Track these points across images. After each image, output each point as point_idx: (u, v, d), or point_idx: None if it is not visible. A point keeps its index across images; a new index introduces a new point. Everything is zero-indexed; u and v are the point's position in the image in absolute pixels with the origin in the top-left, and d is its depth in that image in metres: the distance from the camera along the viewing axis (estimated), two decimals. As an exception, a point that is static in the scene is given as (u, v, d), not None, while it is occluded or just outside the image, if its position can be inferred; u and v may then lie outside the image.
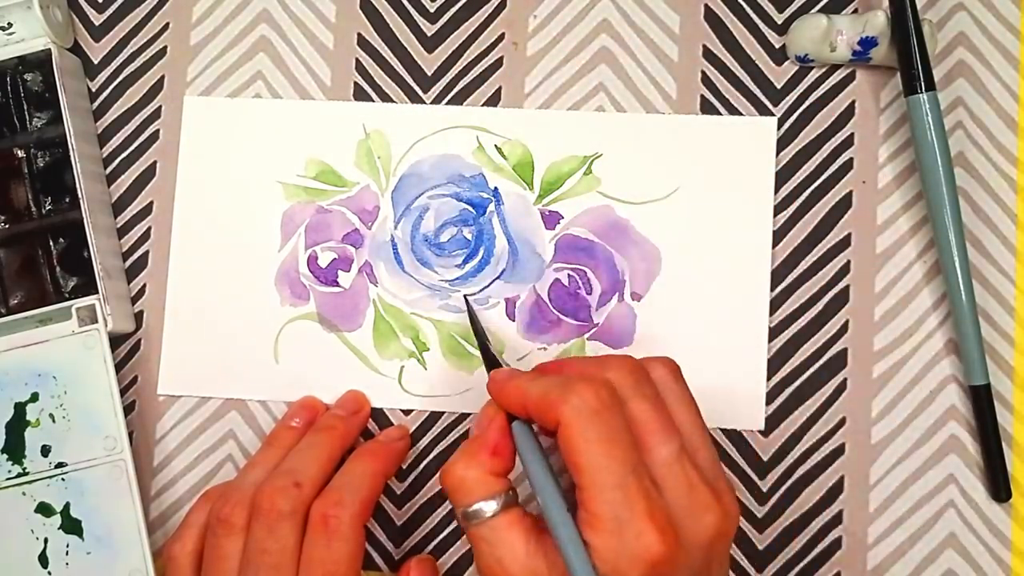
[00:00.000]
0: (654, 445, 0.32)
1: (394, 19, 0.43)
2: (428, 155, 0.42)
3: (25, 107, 0.41)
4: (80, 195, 0.40)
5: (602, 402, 0.31)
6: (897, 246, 0.41)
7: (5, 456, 0.38)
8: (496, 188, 0.42)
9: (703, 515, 0.31)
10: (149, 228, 0.43)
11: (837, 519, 0.40)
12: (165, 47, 0.43)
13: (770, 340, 0.40)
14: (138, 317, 0.42)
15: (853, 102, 0.41)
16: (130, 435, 0.39)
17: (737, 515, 0.33)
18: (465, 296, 0.41)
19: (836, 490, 0.40)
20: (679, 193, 0.41)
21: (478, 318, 0.40)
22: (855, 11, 0.42)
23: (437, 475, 0.41)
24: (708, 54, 0.42)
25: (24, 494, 0.38)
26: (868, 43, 0.40)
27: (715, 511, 0.31)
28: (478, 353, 0.41)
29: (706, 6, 0.42)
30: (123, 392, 0.42)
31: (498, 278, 0.41)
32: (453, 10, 0.43)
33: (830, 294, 0.41)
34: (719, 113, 0.41)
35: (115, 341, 0.41)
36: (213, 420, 0.42)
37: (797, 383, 0.40)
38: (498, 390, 0.34)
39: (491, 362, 0.37)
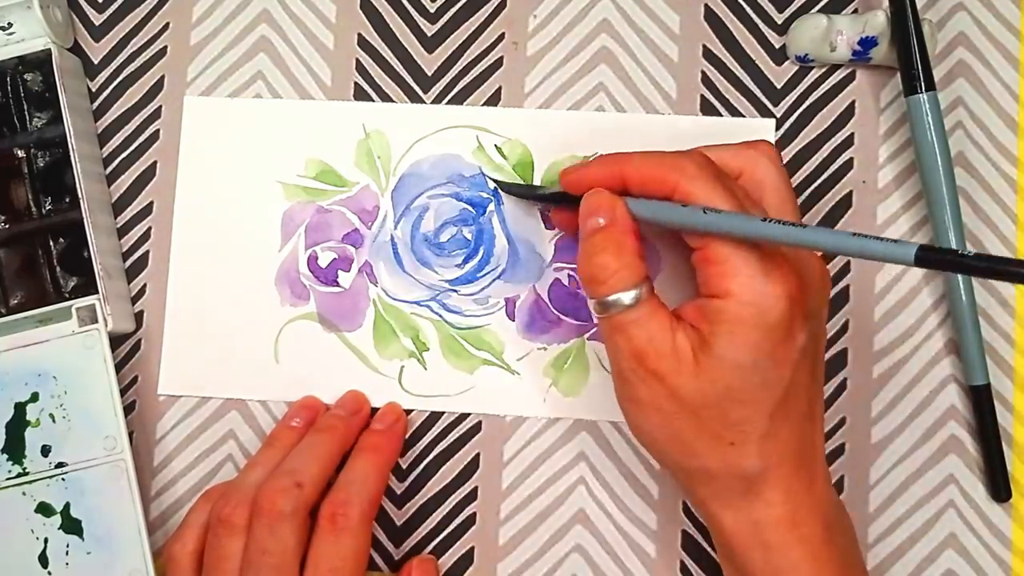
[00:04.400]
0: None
1: (394, 19, 0.43)
2: (428, 155, 0.42)
3: (25, 107, 0.41)
4: (80, 195, 0.40)
5: (713, 170, 0.33)
6: (897, 246, 0.41)
7: (5, 456, 0.38)
8: (496, 188, 0.42)
9: (805, 258, 0.33)
10: (149, 228, 0.43)
11: (837, 519, 0.40)
12: (165, 47, 0.43)
13: (770, 340, 0.40)
14: (138, 317, 0.42)
15: (853, 102, 0.41)
16: (130, 435, 0.39)
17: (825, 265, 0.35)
18: (493, 179, 0.41)
19: (836, 490, 0.40)
20: (679, 193, 0.41)
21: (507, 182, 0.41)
22: (855, 11, 0.42)
23: (437, 475, 0.41)
24: (708, 54, 0.42)
25: (24, 494, 0.38)
26: (868, 43, 0.40)
27: (815, 259, 0.34)
28: (478, 352, 0.41)
29: (706, 6, 0.42)
30: (123, 392, 0.42)
31: (498, 278, 0.41)
32: (453, 10, 0.43)
33: (830, 294, 0.41)
34: (719, 113, 0.41)
35: (115, 341, 0.41)
36: (213, 420, 0.42)
37: (797, 383, 0.40)
38: (590, 175, 0.35)
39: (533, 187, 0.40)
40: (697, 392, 0.32)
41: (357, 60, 0.43)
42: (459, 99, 0.42)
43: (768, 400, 0.32)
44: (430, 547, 0.41)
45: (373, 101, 0.42)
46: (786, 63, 0.42)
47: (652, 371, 0.32)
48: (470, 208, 0.42)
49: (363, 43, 0.43)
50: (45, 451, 0.38)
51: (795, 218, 0.35)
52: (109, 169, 0.43)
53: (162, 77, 0.43)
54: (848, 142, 0.41)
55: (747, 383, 0.32)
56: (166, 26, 0.43)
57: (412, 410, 0.41)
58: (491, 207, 0.42)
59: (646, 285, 0.33)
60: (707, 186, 0.32)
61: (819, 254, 0.34)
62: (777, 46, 0.42)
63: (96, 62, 0.43)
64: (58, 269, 0.40)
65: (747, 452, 0.32)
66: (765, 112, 0.41)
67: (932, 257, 0.27)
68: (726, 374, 0.31)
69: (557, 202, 0.38)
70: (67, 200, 0.40)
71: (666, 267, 0.41)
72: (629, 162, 0.34)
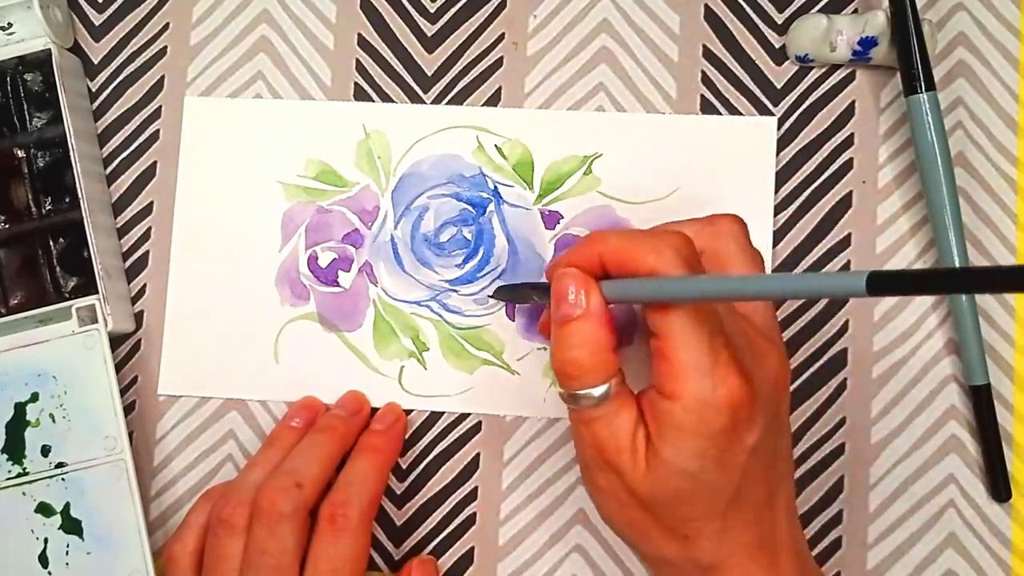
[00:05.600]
0: None
1: (394, 19, 0.43)
2: (428, 155, 0.42)
3: (25, 107, 0.41)
4: (80, 195, 0.40)
5: (690, 253, 0.31)
6: (897, 246, 0.41)
7: (5, 456, 0.38)
8: (496, 188, 0.42)
9: (764, 359, 0.32)
10: (149, 228, 0.43)
11: (837, 519, 0.40)
12: (165, 47, 0.43)
13: (770, 340, 0.40)
14: (138, 317, 0.42)
15: (853, 102, 0.41)
16: (130, 435, 0.39)
17: (788, 361, 0.33)
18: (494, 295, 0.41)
19: (836, 490, 0.40)
20: (679, 193, 0.41)
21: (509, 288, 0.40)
22: (855, 11, 0.42)
23: (437, 475, 0.41)
24: (708, 54, 0.42)
25: (24, 494, 0.38)
26: (868, 43, 0.40)
27: (773, 353, 0.33)
28: (478, 352, 0.41)
29: (706, 6, 0.42)
30: (123, 392, 0.42)
31: (498, 278, 0.41)
32: (453, 10, 0.43)
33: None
34: (719, 113, 0.41)
35: (115, 341, 0.41)
36: (213, 420, 0.42)
37: (797, 383, 0.40)
38: (569, 260, 0.33)
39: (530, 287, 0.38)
40: (648, 490, 0.31)
41: (357, 60, 0.43)
42: (459, 99, 0.42)
43: (718, 501, 0.31)
44: (430, 547, 0.41)
45: (373, 101, 0.42)
46: (786, 63, 0.42)
47: (611, 464, 0.32)
48: (470, 208, 0.42)
49: (363, 43, 0.43)
50: (45, 451, 0.38)
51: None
52: (109, 169, 0.43)
53: (162, 77, 0.43)
54: (848, 142, 0.41)
55: (695, 486, 0.31)
56: (166, 26, 0.43)
57: (412, 410, 0.41)
58: (491, 207, 0.42)
59: (616, 378, 0.32)
60: (684, 274, 0.31)
61: (780, 348, 0.33)
62: (777, 46, 0.42)
63: (96, 62, 0.43)
64: (58, 269, 0.40)
65: (701, 546, 0.32)
66: (765, 112, 0.41)
67: (884, 284, 0.24)
68: (673, 477, 0.31)
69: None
70: (67, 200, 0.40)
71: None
72: (605, 242, 0.32)
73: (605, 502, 0.33)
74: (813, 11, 0.41)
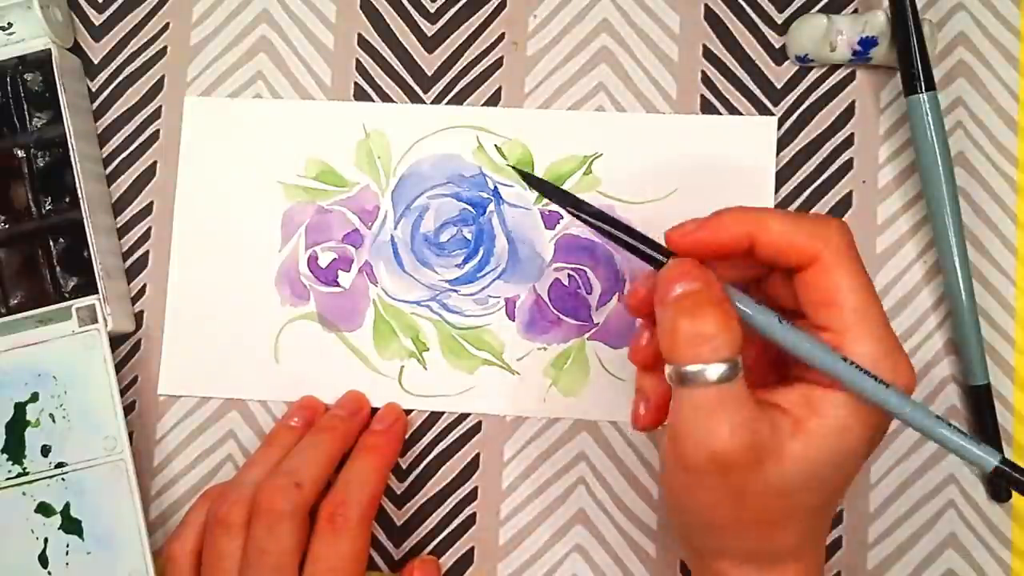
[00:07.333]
0: None
1: (394, 19, 0.43)
2: (428, 155, 0.42)
3: (25, 107, 0.41)
4: (80, 195, 0.40)
5: (852, 240, 0.30)
6: (897, 246, 0.41)
7: (5, 456, 0.38)
8: (496, 188, 0.42)
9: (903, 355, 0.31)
10: (149, 228, 0.43)
11: (837, 519, 0.40)
12: (165, 47, 0.43)
13: (770, 340, 0.40)
14: (138, 317, 0.42)
15: (853, 102, 0.41)
16: (130, 435, 0.39)
17: None
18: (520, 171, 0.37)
19: (836, 490, 0.40)
20: (679, 193, 0.41)
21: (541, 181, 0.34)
22: (855, 11, 0.42)
23: (437, 475, 0.41)
24: (708, 54, 0.42)
25: (24, 494, 0.38)
26: (868, 43, 0.40)
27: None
28: (478, 352, 0.41)
29: (706, 6, 0.42)
30: (123, 392, 0.42)
31: (498, 278, 0.41)
32: (453, 10, 0.43)
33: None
34: (719, 113, 0.41)
35: (115, 341, 0.41)
36: (213, 420, 0.42)
37: (797, 383, 0.40)
38: (707, 236, 0.30)
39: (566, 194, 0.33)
40: (785, 483, 0.29)
41: (357, 60, 0.43)
42: (459, 99, 0.42)
43: (842, 487, 0.32)
44: (430, 547, 0.41)
45: (373, 101, 0.42)
46: (786, 63, 0.42)
47: (724, 466, 0.29)
48: (470, 208, 0.42)
49: (363, 43, 0.43)
50: (45, 451, 0.38)
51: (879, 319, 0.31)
52: (109, 169, 0.43)
53: (162, 77, 0.43)
54: (848, 142, 0.41)
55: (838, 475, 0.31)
56: (166, 26, 0.43)
57: (412, 410, 0.41)
58: (491, 207, 0.42)
59: (737, 363, 0.29)
60: (853, 265, 0.29)
61: None
62: (777, 46, 0.42)
63: (96, 62, 0.43)
64: (58, 269, 0.40)
65: (784, 541, 0.31)
66: (765, 112, 0.41)
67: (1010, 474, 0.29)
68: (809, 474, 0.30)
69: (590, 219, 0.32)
70: (67, 200, 0.40)
71: (666, 267, 0.41)
72: (761, 224, 0.30)
73: (702, 499, 0.30)
74: (813, 11, 0.41)
